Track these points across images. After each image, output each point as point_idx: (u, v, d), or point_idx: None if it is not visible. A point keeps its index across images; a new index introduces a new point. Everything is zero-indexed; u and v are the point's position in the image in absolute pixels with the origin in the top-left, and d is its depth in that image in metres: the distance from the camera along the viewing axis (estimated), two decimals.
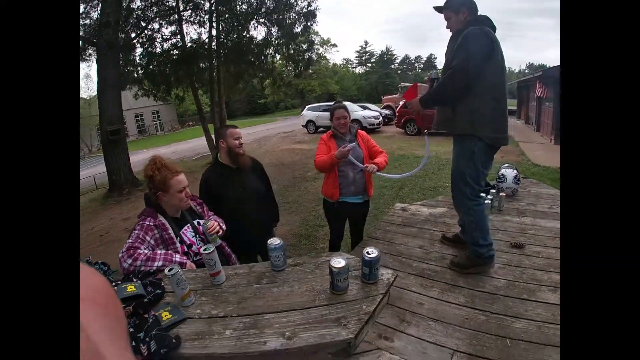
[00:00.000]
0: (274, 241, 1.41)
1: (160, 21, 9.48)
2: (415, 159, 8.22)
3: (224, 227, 1.87)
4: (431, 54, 60.01)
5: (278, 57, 11.45)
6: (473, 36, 1.78)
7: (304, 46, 10.60)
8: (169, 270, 1.21)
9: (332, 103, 3.53)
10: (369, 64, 54.43)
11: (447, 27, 2.03)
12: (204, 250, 1.35)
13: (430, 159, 7.79)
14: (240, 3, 9.40)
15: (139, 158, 9.15)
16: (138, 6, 9.04)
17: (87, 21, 9.02)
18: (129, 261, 1.43)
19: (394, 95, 20.89)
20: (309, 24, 10.03)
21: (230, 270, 1.47)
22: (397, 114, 13.36)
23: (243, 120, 32.35)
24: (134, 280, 1.34)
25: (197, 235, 1.77)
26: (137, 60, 9.55)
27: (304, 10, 9.65)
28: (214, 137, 10.52)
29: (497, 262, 2.10)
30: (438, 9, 2.04)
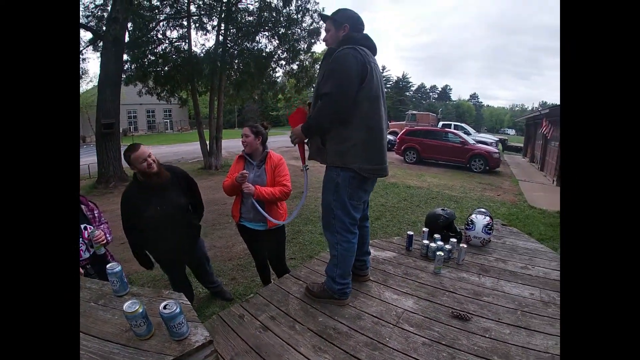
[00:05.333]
0: (113, 267, 1.41)
1: (170, 23, 9.60)
2: (405, 189, 7.80)
3: (109, 237, 1.99)
4: (447, 85, 60.73)
5: (281, 71, 11.39)
6: (344, 57, 1.64)
7: (307, 63, 10.52)
8: None
9: None
10: (385, 89, 54.98)
11: (324, 40, 1.91)
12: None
13: (401, 189, 7.56)
14: (246, 15, 9.45)
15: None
16: (149, 6, 9.13)
17: (103, 13, 9.18)
18: None
19: (401, 122, 20.81)
20: (312, 41, 9.93)
21: (88, 282, 1.57)
22: (397, 141, 13.12)
23: None
24: None
25: (82, 239, 1.85)
26: (142, 59, 9.50)
27: (309, 27, 9.60)
28: (207, 143, 10.78)
29: (424, 335, 1.68)
30: (323, 17, 1.91)
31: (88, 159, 12.37)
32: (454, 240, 2.58)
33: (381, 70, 1.85)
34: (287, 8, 9.41)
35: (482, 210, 3.02)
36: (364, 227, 2.16)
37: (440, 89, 62.35)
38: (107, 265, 1.42)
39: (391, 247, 2.81)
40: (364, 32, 1.83)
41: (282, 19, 9.35)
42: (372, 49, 1.79)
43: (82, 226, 1.86)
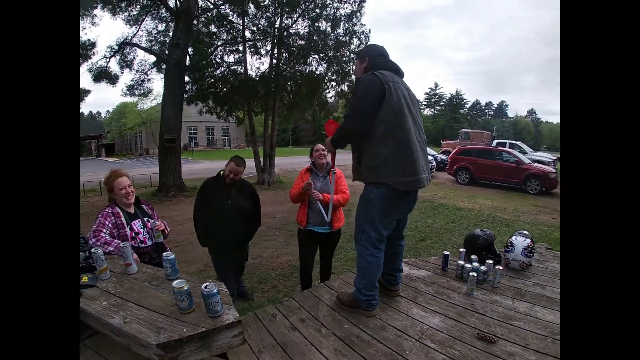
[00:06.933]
0: (168, 255, 1.69)
1: (227, 48, 10.55)
2: (454, 211, 7.51)
3: (167, 229, 2.32)
4: (502, 101, 57.55)
5: (332, 92, 11.76)
6: (362, 83, 1.90)
7: None
8: (95, 249, 1.71)
9: None
10: (438, 107, 53.54)
11: (353, 73, 2.26)
12: (123, 245, 1.77)
13: (453, 211, 7.27)
14: (297, 39, 10.03)
15: (200, 167, 9.79)
16: (208, 32, 10.16)
17: (165, 38, 10.45)
18: (93, 240, 1.93)
19: (454, 141, 20.11)
20: None
21: (145, 267, 1.89)
22: (449, 160, 12.67)
23: (301, 148, 33.49)
24: (86, 252, 1.85)
25: (145, 229, 2.20)
26: (202, 81, 10.43)
27: (357, 49, 9.81)
28: (261, 161, 11.42)
29: (445, 353, 1.69)
30: (355, 55, 2.22)
31: (150, 169, 13.78)
32: (491, 262, 2.51)
33: (409, 88, 2.02)
34: (335, 31, 9.82)
35: (524, 232, 2.91)
36: (399, 246, 2.27)
37: (495, 106, 59.63)
38: (163, 253, 1.70)
39: (427, 267, 2.82)
40: (388, 58, 2.07)
41: (330, 42, 9.77)
42: (395, 70, 2.00)
43: (145, 219, 2.23)
